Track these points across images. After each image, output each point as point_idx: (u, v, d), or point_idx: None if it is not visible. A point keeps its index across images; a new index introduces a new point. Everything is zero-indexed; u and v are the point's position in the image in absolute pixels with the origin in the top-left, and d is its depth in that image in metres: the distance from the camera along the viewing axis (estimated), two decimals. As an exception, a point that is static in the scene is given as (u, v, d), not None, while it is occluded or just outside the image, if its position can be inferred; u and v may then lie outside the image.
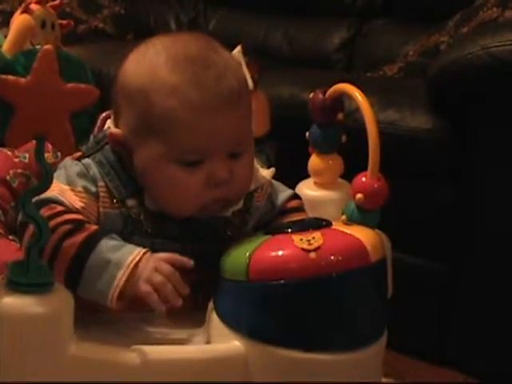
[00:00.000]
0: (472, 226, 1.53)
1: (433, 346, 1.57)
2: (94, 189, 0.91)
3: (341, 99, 1.13)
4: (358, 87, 1.00)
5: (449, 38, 1.90)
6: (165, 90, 0.88)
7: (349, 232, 0.84)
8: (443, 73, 1.48)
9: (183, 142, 0.88)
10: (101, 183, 0.91)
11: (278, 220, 1.02)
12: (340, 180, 1.19)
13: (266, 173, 1.01)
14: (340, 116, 1.14)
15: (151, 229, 0.92)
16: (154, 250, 0.88)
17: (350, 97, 1.03)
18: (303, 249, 0.80)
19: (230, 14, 2.64)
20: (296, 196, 1.06)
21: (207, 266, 0.88)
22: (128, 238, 0.90)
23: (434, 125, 1.53)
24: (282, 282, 0.79)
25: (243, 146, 0.93)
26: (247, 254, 0.82)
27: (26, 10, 1.17)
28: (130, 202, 0.92)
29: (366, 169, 0.94)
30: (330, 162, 1.17)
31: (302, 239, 0.81)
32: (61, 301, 0.77)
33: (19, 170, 1.13)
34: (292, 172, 1.08)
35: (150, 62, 0.91)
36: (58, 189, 0.89)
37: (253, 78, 1.23)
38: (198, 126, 0.88)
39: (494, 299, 1.53)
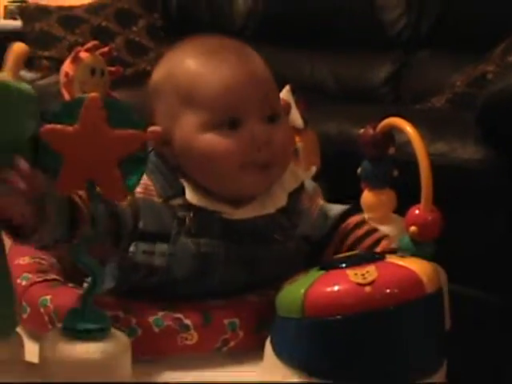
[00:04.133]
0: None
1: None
2: None
3: (391, 133, 1.13)
4: (407, 120, 1.00)
5: (495, 67, 1.89)
6: (185, 64, 0.93)
7: (403, 264, 0.84)
8: (492, 102, 1.47)
9: (213, 103, 0.90)
10: (148, 182, 0.92)
11: (336, 237, 1.02)
12: (393, 215, 1.19)
13: (306, 173, 1.01)
14: (391, 150, 1.14)
15: (195, 229, 0.92)
16: (199, 250, 0.90)
17: (401, 130, 1.03)
18: (358, 283, 0.79)
19: (276, 50, 2.65)
20: (355, 209, 1.06)
21: (260, 271, 0.90)
22: (175, 239, 0.91)
23: (485, 155, 1.52)
24: (338, 317, 0.79)
25: (275, 106, 0.93)
26: (302, 290, 0.82)
27: (76, 58, 1.19)
28: (175, 202, 0.92)
29: (418, 202, 0.94)
30: (383, 196, 1.17)
31: (356, 273, 0.81)
32: (118, 345, 0.78)
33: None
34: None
35: (177, 57, 0.95)
36: None
37: (302, 116, 1.24)
38: (222, 80, 0.90)
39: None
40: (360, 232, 1.03)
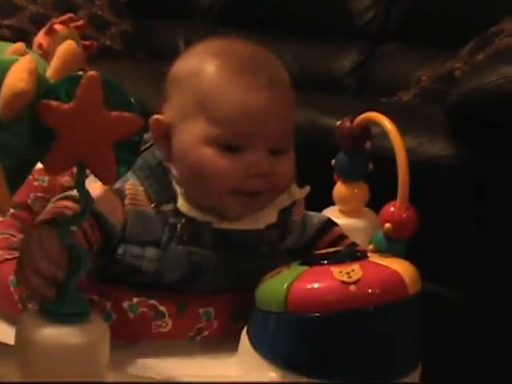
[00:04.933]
0: (490, 253, 1.53)
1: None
2: (119, 186, 0.90)
3: (368, 127, 1.13)
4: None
5: (463, 64, 1.91)
6: (213, 70, 0.90)
7: (387, 264, 0.84)
8: (463, 101, 1.48)
9: (224, 122, 0.88)
10: (140, 187, 0.91)
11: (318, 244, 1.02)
12: (365, 208, 1.19)
13: (300, 191, 1.00)
14: (368, 144, 1.14)
15: (186, 236, 0.91)
16: (190, 259, 0.90)
17: (380, 125, 1.03)
18: (343, 281, 0.79)
19: (241, 34, 2.62)
20: (332, 221, 1.06)
21: (246, 283, 0.88)
22: (166, 245, 0.90)
23: (454, 152, 1.53)
24: (322, 314, 0.78)
25: (286, 143, 0.92)
26: (285, 285, 0.81)
27: (50, 31, 1.17)
28: (167, 208, 0.91)
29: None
30: (356, 190, 1.17)
31: (341, 271, 0.80)
32: (97, 331, 0.77)
33: (39, 194, 1.13)
34: (313, 199, 1.07)
35: (200, 54, 0.93)
36: None
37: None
38: (243, 103, 0.88)
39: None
40: (344, 245, 1.02)
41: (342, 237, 1.04)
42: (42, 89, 0.72)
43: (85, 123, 0.71)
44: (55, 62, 0.75)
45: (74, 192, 0.89)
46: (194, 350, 0.89)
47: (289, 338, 0.80)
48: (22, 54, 0.75)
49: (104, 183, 0.75)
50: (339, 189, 1.18)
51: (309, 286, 0.80)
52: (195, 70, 0.91)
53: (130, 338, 0.87)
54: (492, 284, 1.54)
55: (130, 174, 0.90)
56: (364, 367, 0.80)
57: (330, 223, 1.05)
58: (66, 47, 0.76)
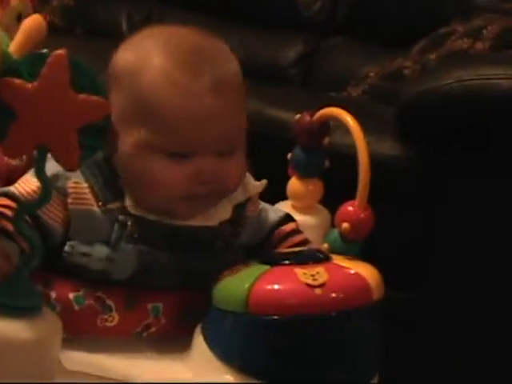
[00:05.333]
0: (432, 255, 1.53)
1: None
2: (61, 185, 0.86)
3: (328, 123, 1.11)
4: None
5: (413, 63, 1.90)
6: (156, 70, 0.84)
7: (351, 267, 0.82)
8: (416, 101, 1.46)
9: (170, 129, 0.83)
10: (85, 184, 0.87)
11: (271, 242, 0.98)
12: (319, 205, 1.17)
13: (257, 184, 0.97)
14: (326, 140, 1.12)
15: (137, 234, 0.87)
16: (141, 258, 0.86)
17: (341, 121, 1.01)
18: (308, 284, 0.77)
19: (186, 16, 2.57)
20: (290, 217, 1.03)
21: (197, 281, 0.86)
22: (115, 243, 0.86)
23: (402, 152, 1.52)
24: (284, 317, 0.76)
25: (233, 143, 0.88)
26: (246, 285, 0.78)
27: (2, 1, 1.11)
28: (115, 205, 0.87)
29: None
30: (311, 186, 1.15)
31: (305, 273, 0.78)
32: (49, 325, 0.73)
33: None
34: (265, 192, 1.05)
35: (144, 46, 0.87)
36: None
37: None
38: (187, 111, 0.83)
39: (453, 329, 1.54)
40: (295, 240, 0.99)
41: (295, 232, 1.01)
42: (4, 65, 0.68)
43: (49, 104, 0.67)
44: (19, 36, 0.71)
45: (9, 188, 0.86)
46: (141, 346, 0.86)
47: (247, 339, 0.78)
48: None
49: (66, 169, 0.71)
50: (294, 184, 1.15)
51: (271, 287, 0.77)
52: (134, 68, 0.85)
53: (75, 332, 0.83)
54: (435, 284, 1.54)
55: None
56: (323, 373, 0.78)
57: (287, 219, 1.02)
58: (32, 21, 0.72)
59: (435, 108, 1.44)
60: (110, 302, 0.84)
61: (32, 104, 0.67)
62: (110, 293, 0.85)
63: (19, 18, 1.04)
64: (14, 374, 0.70)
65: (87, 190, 0.86)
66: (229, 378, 0.78)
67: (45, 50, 0.68)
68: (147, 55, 0.85)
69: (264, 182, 0.97)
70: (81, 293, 0.84)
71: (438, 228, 1.52)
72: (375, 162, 1.51)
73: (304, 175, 1.14)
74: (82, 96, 0.67)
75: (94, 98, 0.68)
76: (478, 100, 1.39)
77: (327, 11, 2.44)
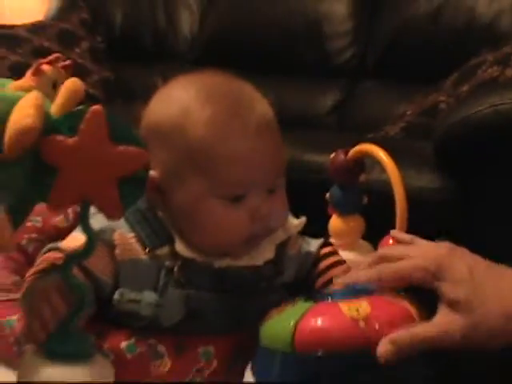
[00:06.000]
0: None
1: None
2: (107, 238, 0.89)
3: (362, 160, 1.13)
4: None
5: (447, 97, 1.92)
6: (200, 122, 0.86)
7: (395, 301, 0.82)
8: (451, 132, 1.49)
9: (225, 175, 0.86)
10: (131, 234, 0.89)
11: (315, 270, 1.00)
12: (361, 241, 1.19)
13: (297, 222, 0.99)
14: (362, 177, 1.14)
15: (184, 279, 0.89)
16: (188, 303, 0.88)
17: (375, 158, 1.03)
18: (352, 318, 0.78)
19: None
20: (327, 242, 1.04)
21: (244, 323, 0.88)
22: (163, 289, 0.88)
23: (441, 185, 1.54)
24: (331, 352, 0.77)
25: (280, 179, 0.91)
26: (292, 322, 0.78)
27: (37, 70, 1.17)
28: (162, 251, 0.89)
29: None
30: (352, 223, 1.17)
31: (349, 308, 0.79)
32: (101, 370, 0.76)
33: (33, 235, 1.11)
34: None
35: (180, 98, 0.89)
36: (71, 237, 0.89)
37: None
38: (238, 154, 0.86)
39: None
40: (329, 261, 1.00)
41: (335, 264, 1.01)
42: (46, 125, 0.71)
43: (89, 158, 0.70)
44: (59, 98, 0.74)
45: (56, 244, 0.89)
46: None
47: (295, 377, 0.79)
48: (28, 90, 0.75)
49: (109, 219, 0.74)
50: (335, 222, 1.18)
51: (316, 324, 0.78)
52: (178, 122, 0.88)
53: (129, 380, 0.85)
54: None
55: (116, 223, 0.87)
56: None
57: (324, 245, 1.03)
58: (71, 84, 0.75)
59: (470, 136, 1.45)
60: (161, 349, 0.86)
61: (73, 158, 0.70)
62: (160, 339, 0.87)
63: (54, 86, 1.09)
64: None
65: (133, 240, 0.89)
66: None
67: (82, 106, 0.72)
68: (189, 107, 0.88)
69: (303, 219, 0.98)
70: (132, 341, 0.86)
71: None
72: (415, 195, 1.54)
73: (343, 212, 1.16)
74: (121, 148, 0.70)
75: (132, 148, 0.71)
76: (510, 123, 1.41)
77: (358, 57, 2.49)
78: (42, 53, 2.70)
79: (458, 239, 1.49)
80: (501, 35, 2.08)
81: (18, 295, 0.95)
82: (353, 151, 1.11)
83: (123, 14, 2.92)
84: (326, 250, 1.02)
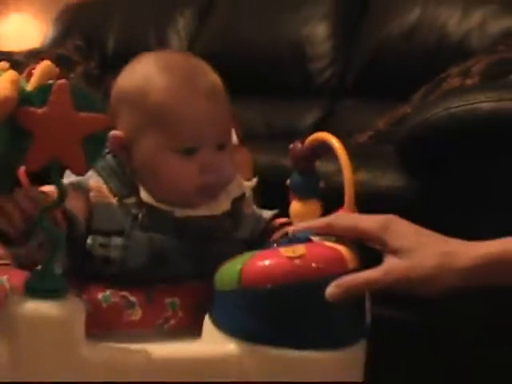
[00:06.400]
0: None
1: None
2: (84, 184, 1.02)
3: (318, 147, 1.24)
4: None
5: (414, 108, 2.03)
6: (158, 88, 1.02)
7: (328, 244, 0.95)
8: (410, 134, 1.59)
9: (179, 131, 1.01)
10: (104, 185, 1.03)
11: (268, 234, 1.12)
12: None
13: (249, 183, 1.12)
14: (318, 164, 1.25)
15: (148, 224, 1.02)
16: (152, 245, 1.01)
17: (327, 143, 1.14)
18: (288, 257, 0.90)
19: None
20: (280, 215, 1.17)
21: (203, 268, 0.99)
22: (129, 233, 1.01)
23: (405, 183, 1.64)
24: (270, 287, 0.89)
25: (228, 137, 1.07)
26: (238, 266, 0.92)
27: (28, 75, 1.29)
28: (129, 200, 1.03)
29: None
30: (311, 206, 1.27)
31: (286, 250, 0.91)
32: (73, 306, 0.87)
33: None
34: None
35: (142, 69, 1.05)
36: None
37: (237, 135, 1.35)
38: (190, 115, 1.02)
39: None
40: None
41: (287, 224, 1.15)
42: (22, 98, 0.84)
43: (57, 124, 0.83)
44: (34, 77, 0.87)
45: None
46: (161, 337, 0.98)
47: (245, 312, 0.91)
48: (6, 70, 0.87)
49: (76, 174, 0.86)
50: (295, 206, 1.27)
51: (258, 264, 0.91)
52: (142, 88, 1.03)
53: (105, 327, 0.97)
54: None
55: (91, 174, 1.02)
56: (311, 334, 0.90)
57: (278, 215, 1.16)
58: (44, 65, 0.87)
59: (428, 138, 1.56)
60: (133, 299, 0.99)
61: (44, 124, 0.83)
62: (132, 291, 0.99)
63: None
64: (45, 349, 0.84)
65: (106, 189, 1.03)
66: (232, 346, 0.90)
67: (51, 81, 0.84)
68: (150, 76, 1.04)
69: (254, 180, 1.12)
70: (107, 293, 0.99)
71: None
72: (381, 194, 1.64)
73: (303, 197, 1.26)
74: (83, 114, 0.84)
75: (92, 114, 0.84)
76: (463, 125, 1.51)
77: (338, 76, 2.62)
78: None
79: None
80: (470, 52, 2.19)
81: (7, 261, 1.08)
82: (309, 139, 1.22)
83: (115, 39, 3.06)
84: (282, 220, 1.14)
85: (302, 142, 1.24)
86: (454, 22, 2.38)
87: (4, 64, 0.88)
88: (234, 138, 1.34)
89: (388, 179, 1.66)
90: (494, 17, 2.32)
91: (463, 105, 1.51)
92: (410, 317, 1.66)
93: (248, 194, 1.15)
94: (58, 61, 2.88)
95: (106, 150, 1.05)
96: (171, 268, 1.02)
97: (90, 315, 0.92)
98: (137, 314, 0.99)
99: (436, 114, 1.53)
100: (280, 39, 2.73)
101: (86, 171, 0.88)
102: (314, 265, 0.90)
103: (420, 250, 0.92)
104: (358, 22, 2.64)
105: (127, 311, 0.98)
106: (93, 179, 1.03)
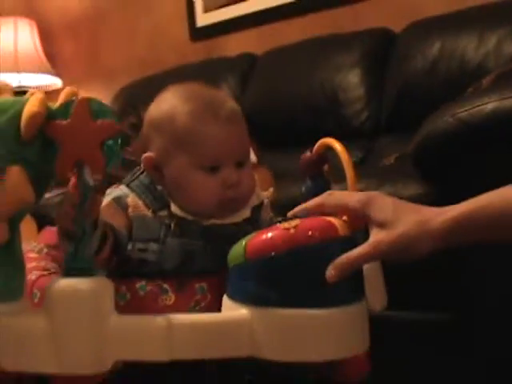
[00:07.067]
0: (471, 274, 1.71)
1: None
2: (123, 202, 1.19)
3: (325, 153, 1.38)
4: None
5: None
6: (183, 113, 1.19)
7: (321, 217, 1.08)
8: (421, 143, 1.71)
9: (202, 151, 1.17)
10: (138, 201, 1.19)
11: None
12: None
13: (266, 192, 1.27)
14: (326, 167, 1.39)
15: (179, 232, 1.18)
16: (183, 249, 1.16)
17: (331, 147, 1.29)
18: (285, 228, 1.04)
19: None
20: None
21: (224, 262, 1.12)
22: (163, 240, 1.16)
23: (425, 190, 1.75)
24: (272, 254, 1.02)
25: (247, 156, 1.22)
26: (243, 242, 1.06)
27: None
28: (162, 213, 1.19)
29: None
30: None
31: (283, 223, 1.05)
32: (102, 282, 1.02)
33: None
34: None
35: (168, 98, 1.23)
36: None
37: (256, 154, 1.51)
38: (211, 136, 1.18)
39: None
40: None
41: None
42: (49, 114, 1.02)
43: (79, 133, 1.00)
44: (59, 100, 1.05)
45: None
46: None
47: (252, 280, 1.04)
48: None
49: (96, 173, 1.02)
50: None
51: (260, 238, 1.05)
52: (169, 114, 1.21)
53: (142, 312, 1.10)
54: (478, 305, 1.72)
55: (128, 192, 1.20)
56: (313, 293, 1.03)
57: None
58: (68, 89, 1.05)
59: (438, 145, 1.68)
60: (166, 286, 1.14)
61: (68, 134, 1.01)
62: (165, 280, 1.15)
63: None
64: (78, 320, 0.99)
65: (141, 204, 1.20)
66: (244, 311, 1.03)
67: (73, 98, 1.02)
68: (175, 104, 1.21)
69: (271, 189, 1.27)
70: (143, 282, 1.15)
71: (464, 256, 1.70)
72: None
73: (314, 199, 1.40)
74: (99, 122, 1.01)
75: (107, 121, 1.02)
76: (470, 128, 1.62)
77: (372, 117, 2.76)
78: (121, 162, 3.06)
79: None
80: (488, 73, 2.30)
81: (56, 272, 1.25)
82: (316, 146, 1.37)
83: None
84: None
85: (311, 150, 1.39)
86: (472, 48, 2.51)
87: (33, 91, 1.06)
88: (254, 158, 1.50)
89: (409, 189, 1.78)
90: (509, 38, 2.44)
91: (469, 108, 1.62)
92: (447, 317, 1.74)
93: (266, 202, 1.30)
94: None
95: (140, 170, 1.23)
96: (199, 266, 1.18)
97: (128, 303, 1.08)
98: (170, 299, 1.14)
99: (443, 121, 1.65)
100: (316, 89, 2.89)
101: (105, 172, 1.04)
102: (307, 232, 1.03)
103: (400, 221, 1.04)
104: (385, 62, 2.79)
105: (162, 297, 1.14)
106: (130, 197, 1.21)
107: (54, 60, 4.04)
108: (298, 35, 3.11)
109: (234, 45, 3.47)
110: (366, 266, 1.12)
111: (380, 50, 2.85)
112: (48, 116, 1.01)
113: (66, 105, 1.02)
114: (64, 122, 1.00)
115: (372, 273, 1.14)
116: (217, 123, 1.18)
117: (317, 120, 2.87)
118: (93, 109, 1.01)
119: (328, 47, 2.96)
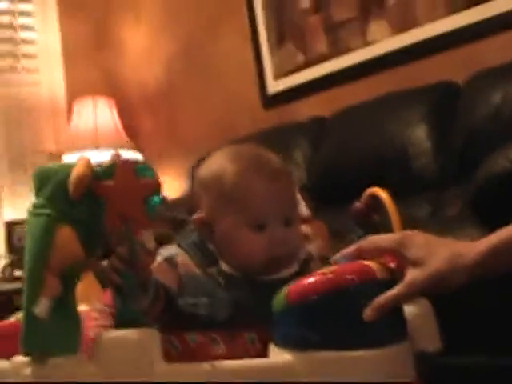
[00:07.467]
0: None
1: None
2: (173, 261, 1.25)
3: (374, 202, 1.41)
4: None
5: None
6: (231, 174, 1.24)
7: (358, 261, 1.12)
8: (478, 190, 1.73)
9: (248, 209, 1.22)
10: (189, 261, 1.25)
11: None
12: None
13: (313, 247, 1.30)
14: (376, 216, 1.42)
15: (229, 287, 1.22)
16: (232, 303, 1.20)
17: (378, 196, 1.33)
18: (323, 273, 1.08)
19: (319, 206, 2.93)
20: None
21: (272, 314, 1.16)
22: (214, 295, 1.20)
23: (481, 235, 1.75)
24: (311, 298, 1.06)
25: (294, 212, 1.26)
26: (285, 289, 1.11)
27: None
28: (211, 270, 1.24)
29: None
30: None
31: (322, 269, 1.10)
32: (148, 332, 1.09)
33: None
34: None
35: (217, 161, 1.29)
36: None
37: (308, 207, 1.55)
38: (256, 194, 1.22)
39: None
40: None
41: None
42: (95, 176, 1.10)
43: (123, 191, 1.08)
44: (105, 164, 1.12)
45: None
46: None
47: (293, 325, 1.08)
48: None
49: (140, 227, 1.08)
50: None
51: (300, 283, 1.10)
52: (218, 175, 1.27)
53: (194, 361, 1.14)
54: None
55: (178, 251, 1.26)
56: (352, 335, 1.06)
57: None
58: (112, 155, 1.13)
59: (494, 189, 1.69)
60: (216, 337, 1.17)
61: (113, 193, 1.08)
62: (215, 331, 1.18)
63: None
64: (125, 367, 1.04)
65: (190, 262, 1.25)
66: (286, 355, 1.07)
67: (116, 161, 1.09)
68: (223, 165, 1.27)
69: (319, 242, 1.30)
70: (193, 334, 1.18)
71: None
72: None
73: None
74: (143, 180, 1.08)
75: (149, 180, 1.08)
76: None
77: (441, 169, 2.77)
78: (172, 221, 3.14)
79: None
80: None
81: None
82: (364, 196, 1.40)
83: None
84: None
85: (359, 201, 1.42)
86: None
87: (80, 157, 1.14)
88: (306, 212, 1.53)
89: (464, 232, 1.79)
90: None
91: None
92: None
93: (315, 255, 1.33)
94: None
95: (192, 229, 1.29)
96: (248, 318, 1.21)
97: (180, 353, 1.13)
98: (222, 350, 1.16)
99: (497, 164, 1.67)
100: (386, 144, 2.93)
101: (149, 225, 1.09)
102: (344, 275, 1.07)
103: (433, 257, 1.08)
104: (451, 114, 2.81)
105: (213, 347, 1.17)
106: (180, 256, 1.26)
107: (133, 135, 4.18)
108: (364, 95, 3.16)
109: (305, 109, 3.54)
110: (415, 306, 1.14)
111: (445, 102, 2.88)
112: (94, 177, 1.08)
113: (110, 166, 1.09)
114: (109, 182, 1.07)
115: (421, 312, 1.16)
116: (261, 182, 1.23)
117: (386, 174, 2.89)
118: (136, 168, 1.07)
119: (393, 103, 3.01)
